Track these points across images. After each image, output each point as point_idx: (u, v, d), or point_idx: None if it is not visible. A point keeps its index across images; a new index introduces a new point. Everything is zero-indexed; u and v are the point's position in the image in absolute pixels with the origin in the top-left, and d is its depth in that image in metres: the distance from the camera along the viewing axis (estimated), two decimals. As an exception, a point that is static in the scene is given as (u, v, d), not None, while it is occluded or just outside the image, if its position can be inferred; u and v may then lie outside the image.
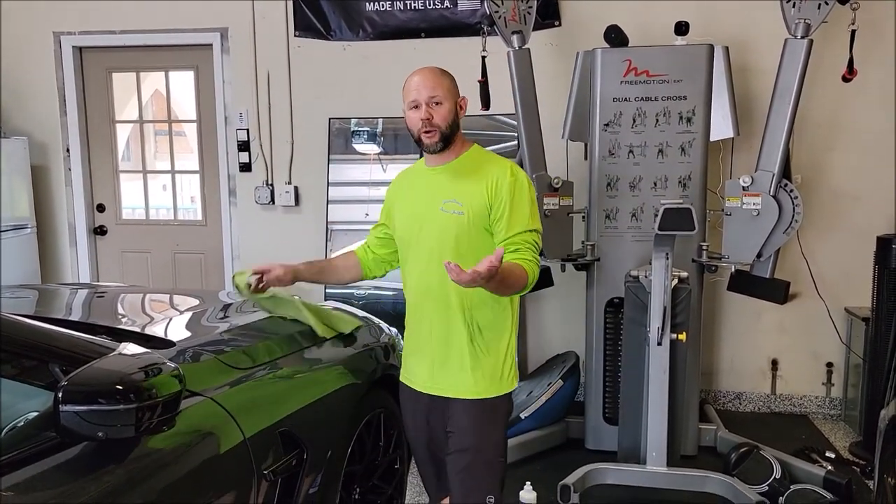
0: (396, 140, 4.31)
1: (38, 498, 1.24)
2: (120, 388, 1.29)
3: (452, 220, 1.97)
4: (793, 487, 2.96)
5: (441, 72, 2.01)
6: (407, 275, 2.10)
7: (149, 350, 1.55)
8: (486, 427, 2.03)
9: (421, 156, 2.12)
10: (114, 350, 1.48)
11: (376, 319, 2.69)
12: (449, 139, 1.98)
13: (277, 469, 1.80)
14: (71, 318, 2.25)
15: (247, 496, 1.70)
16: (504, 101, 3.66)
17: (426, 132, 1.95)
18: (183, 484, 1.50)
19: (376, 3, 4.30)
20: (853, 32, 3.29)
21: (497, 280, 1.73)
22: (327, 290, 4.26)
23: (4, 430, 1.36)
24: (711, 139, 3.46)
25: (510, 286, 1.86)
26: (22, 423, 1.38)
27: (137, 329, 2.08)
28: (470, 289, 1.83)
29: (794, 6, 3.24)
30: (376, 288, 4.21)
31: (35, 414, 1.39)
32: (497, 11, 3.46)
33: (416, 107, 1.96)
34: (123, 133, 4.93)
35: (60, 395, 1.26)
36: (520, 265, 1.89)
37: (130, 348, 1.49)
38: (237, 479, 1.68)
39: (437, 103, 1.95)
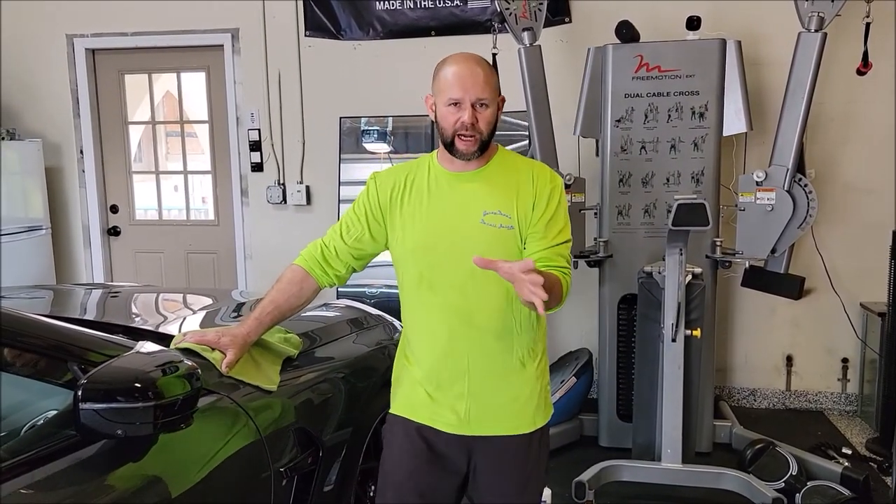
0: (407, 138, 4.32)
1: (60, 495, 1.25)
2: (138, 386, 1.30)
3: (501, 235, 1.70)
4: (809, 484, 2.94)
5: (488, 65, 1.71)
6: (425, 298, 1.76)
7: (166, 348, 1.56)
8: (538, 459, 1.82)
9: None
10: (131, 348, 1.49)
11: (389, 317, 2.70)
12: (486, 146, 1.71)
13: (293, 467, 1.81)
14: (86, 318, 2.26)
15: (263, 494, 1.71)
16: (515, 98, 3.64)
17: (464, 137, 1.66)
18: (199, 482, 1.51)
19: (386, 2, 4.30)
20: (868, 25, 3.26)
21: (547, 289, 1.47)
22: (339, 289, 4.27)
23: (25, 428, 1.37)
24: (724, 134, 3.44)
25: (550, 302, 1.54)
26: (42, 422, 1.39)
27: (151, 328, 2.09)
28: (521, 309, 1.69)
29: (807, -1, 3.22)
30: (387, 287, 4.22)
31: (54, 412, 1.41)
32: (508, 8, 3.45)
33: (455, 104, 1.65)
34: (135, 134, 4.96)
35: (80, 393, 1.27)
36: (558, 279, 1.67)
37: (147, 346, 1.50)
38: (254, 477, 1.69)
39: (483, 105, 1.66)
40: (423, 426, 1.78)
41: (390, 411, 1.86)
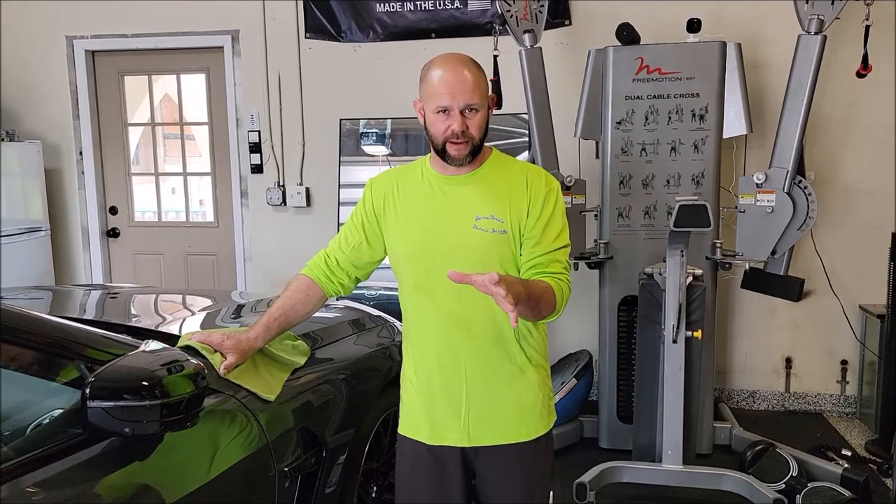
0: (406, 141, 4.32)
1: (66, 494, 1.25)
2: (146, 384, 1.30)
3: (494, 240, 1.66)
4: (810, 485, 2.94)
5: (476, 66, 1.65)
6: (422, 304, 1.73)
7: (171, 347, 1.56)
8: (543, 466, 1.79)
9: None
10: (136, 347, 1.49)
11: (390, 318, 2.70)
12: (478, 150, 1.67)
13: (297, 467, 1.80)
14: (86, 317, 2.26)
15: (267, 494, 1.70)
16: (516, 99, 3.66)
17: (455, 142, 1.62)
18: (204, 482, 1.50)
19: (386, 4, 4.31)
20: (867, 28, 3.27)
21: (524, 300, 1.47)
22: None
23: (30, 428, 1.37)
24: (724, 136, 3.45)
25: (539, 311, 1.59)
26: (47, 421, 1.39)
27: (154, 328, 2.09)
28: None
29: (807, 2, 3.23)
30: (387, 288, 4.21)
31: (59, 411, 1.40)
32: (509, 10, 3.46)
33: (444, 111, 1.61)
34: (134, 136, 4.95)
35: (88, 391, 1.27)
36: (548, 286, 1.63)
37: (153, 345, 1.50)
38: (258, 477, 1.68)
39: (473, 110, 1.62)
40: (429, 445, 1.76)
41: (398, 430, 1.84)
